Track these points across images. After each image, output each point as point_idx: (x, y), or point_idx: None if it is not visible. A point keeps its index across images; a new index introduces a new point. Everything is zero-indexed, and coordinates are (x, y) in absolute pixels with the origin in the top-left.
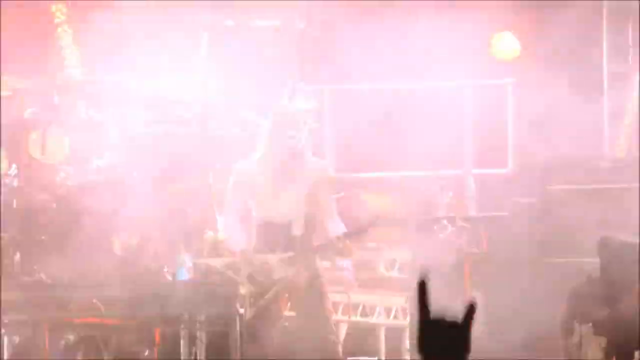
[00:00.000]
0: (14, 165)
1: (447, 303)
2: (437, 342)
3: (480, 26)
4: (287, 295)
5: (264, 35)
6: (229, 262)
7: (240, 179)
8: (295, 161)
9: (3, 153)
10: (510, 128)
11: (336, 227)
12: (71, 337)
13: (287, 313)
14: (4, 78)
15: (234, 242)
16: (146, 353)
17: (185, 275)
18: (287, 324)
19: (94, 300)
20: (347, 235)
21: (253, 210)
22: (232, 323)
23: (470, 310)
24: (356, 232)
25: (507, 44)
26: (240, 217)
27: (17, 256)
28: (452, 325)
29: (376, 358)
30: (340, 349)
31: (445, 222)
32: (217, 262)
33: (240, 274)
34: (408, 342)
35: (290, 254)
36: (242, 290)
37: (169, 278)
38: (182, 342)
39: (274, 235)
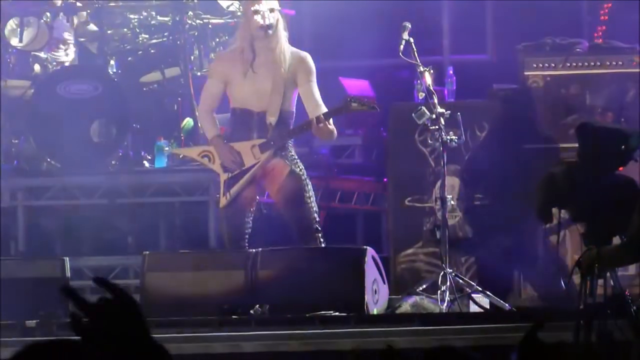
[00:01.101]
0: None
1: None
2: None
3: None
4: (264, 182)
5: None
6: (203, 149)
7: (217, 64)
8: (266, 42)
9: None
10: (489, 14)
11: (315, 110)
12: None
13: (266, 200)
14: None
15: (207, 129)
16: (128, 239)
17: (163, 162)
18: (265, 211)
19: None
20: (325, 116)
21: (229, 97)
22: (206, 210)
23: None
24: (333, 111)
25: None
26: (215, 103)
27: None
28: None
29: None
30: (319, 227)
31: (423, 108)
32: (191, 151)
33: (215, 163)
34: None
35: (263, 140)
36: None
37: (147, 165)
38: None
39: (248, 122)
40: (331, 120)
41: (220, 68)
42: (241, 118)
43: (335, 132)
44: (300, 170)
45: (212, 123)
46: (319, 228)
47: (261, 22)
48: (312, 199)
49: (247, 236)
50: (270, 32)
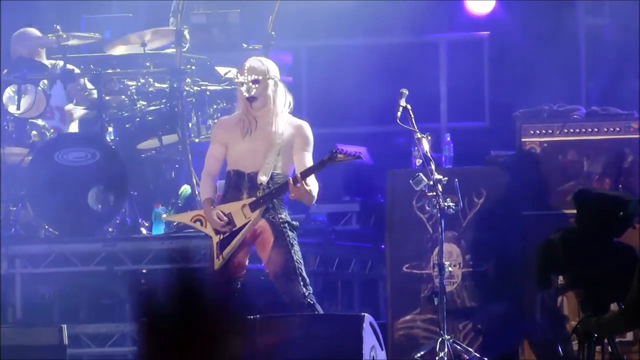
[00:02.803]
0: None
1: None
2: None
3: None
4: (255, 247)
5: None
6: (195, 214)
7: (218, 130)
8: (260, 112)
9: None
10: (486, 81)
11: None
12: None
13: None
14: None
15: (202, 192)
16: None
17: (161, 229)
18: (262, 278)
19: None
20: (303, 175)
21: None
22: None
23: None
24: (319, 164)
25: None
26: (216, 168)
27: None
28: None
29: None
30: (313, 300)
31: (420, 175)
32: (184, 217)
33: (207, 227)
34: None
35: (253, 198)
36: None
37: (145, 232)
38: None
39: (240, 182)
40: (314, 182)
41: (220, 133)
42: (234, 179)
43: (314, 195)
44: (288, 236)
45: (208, 187)
46: (311, 302)
47: (245, 94)
48: (300, 268)
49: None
50: (255, 103)
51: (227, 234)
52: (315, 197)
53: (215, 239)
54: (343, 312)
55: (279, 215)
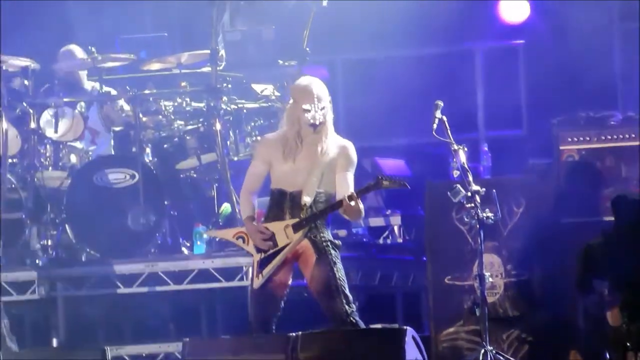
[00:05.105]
0: (26, 145)
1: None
2: None
3: None
4: (298, 264)
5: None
6: (238, 231)
7: (262, 147)
8: (314, 135)
9: (13, 132)
10: (523, 89)
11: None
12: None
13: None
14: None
15: (242, 210)
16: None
17: (202, 248)
18: (305, 294)
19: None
20: (350, 197)
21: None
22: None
23: None
24: (365, 189)
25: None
26: (256, 185)
27: (34, 233)
28: None
29: (395, 325)
30: (355, 318)
31: (458, 186)
32: (227, 233)
33: (249, 244)
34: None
35: (296, 219)
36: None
37: (186, 252)
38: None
39: (283, 202)
40: (360, 201)
41: (264, 151)
42: (277, 198)
43: (363, 212)
44: (330, 254)
45: (248, 204)
46: (354, 320)
47: (311, 120)
48: (342, 286)
49: (274, 322)
50: (318, 128)
51: (268, 252)
52: (363, 215)
53: (256, 257)
54: (386, 326)
55: (322, 235)
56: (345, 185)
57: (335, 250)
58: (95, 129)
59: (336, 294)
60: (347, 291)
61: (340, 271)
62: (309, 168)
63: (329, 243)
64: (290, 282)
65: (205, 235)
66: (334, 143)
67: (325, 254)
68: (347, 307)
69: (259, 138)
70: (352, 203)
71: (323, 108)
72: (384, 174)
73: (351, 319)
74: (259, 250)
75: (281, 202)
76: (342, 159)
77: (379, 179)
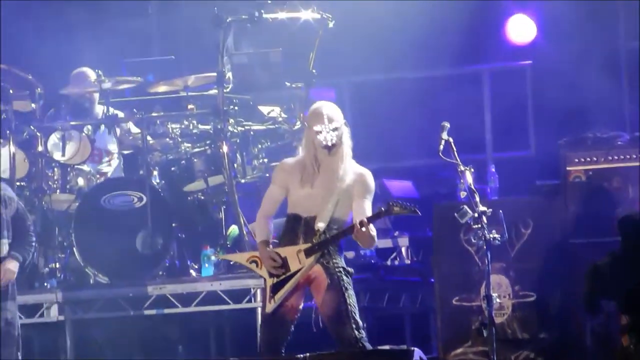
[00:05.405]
0: (34, 168)
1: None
2: None
3: (495, 9)
4: (310, 289)
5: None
6: (251, 255)
7: (280, 172)
8: (330, 157)
9: (21, 155)
10: (530, 110)
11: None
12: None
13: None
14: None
15: (257, 233)
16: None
17: (210, 271)
18: (314, 315)
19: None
20: (362, 224)
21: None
22: (255, 316)
23: None
24: (376, 215)
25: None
26: (272, 209)
27: (43, 256)
28: None
29: (404, 346)
30: (364, 343)
31: (465, 207)
32: (241, 257)
33: (262, 268)
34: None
35: (309, 244)
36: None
37: (194, 274)
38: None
39: (297, 226)
40: (372, 226)
41: (282, 175)
42: (292, 223)
43: (376, 239)
44: (342, 280)
45: (263, 228)
46: (363, 346)
47: (324, 142)
48: (353, 312)
49: (284, 345)
50: (333, 150)
51: (280, 277)
52: (376, 242)
53: (269, 281)
54: (394, 347)
55: (334, 261)
56: (362, 212)
57: (348, 277)
58: (111, 151)
59: (346, 320)
60: (357, 317)
61: (351, 297)
62: (325, 194)
63: (341, 269)
64: (301, 306)
65: (213, 258)
66: (351, 170)
67: (337, 280)
68: (356, 332)
69: (265, 160)
70: (364, 229)
71: (335, 129)
72: (394, 197)
73: (360, 344)
74: (271, 274)
75: (295, 227)
76: (359, 186)
77: (390, 205)
